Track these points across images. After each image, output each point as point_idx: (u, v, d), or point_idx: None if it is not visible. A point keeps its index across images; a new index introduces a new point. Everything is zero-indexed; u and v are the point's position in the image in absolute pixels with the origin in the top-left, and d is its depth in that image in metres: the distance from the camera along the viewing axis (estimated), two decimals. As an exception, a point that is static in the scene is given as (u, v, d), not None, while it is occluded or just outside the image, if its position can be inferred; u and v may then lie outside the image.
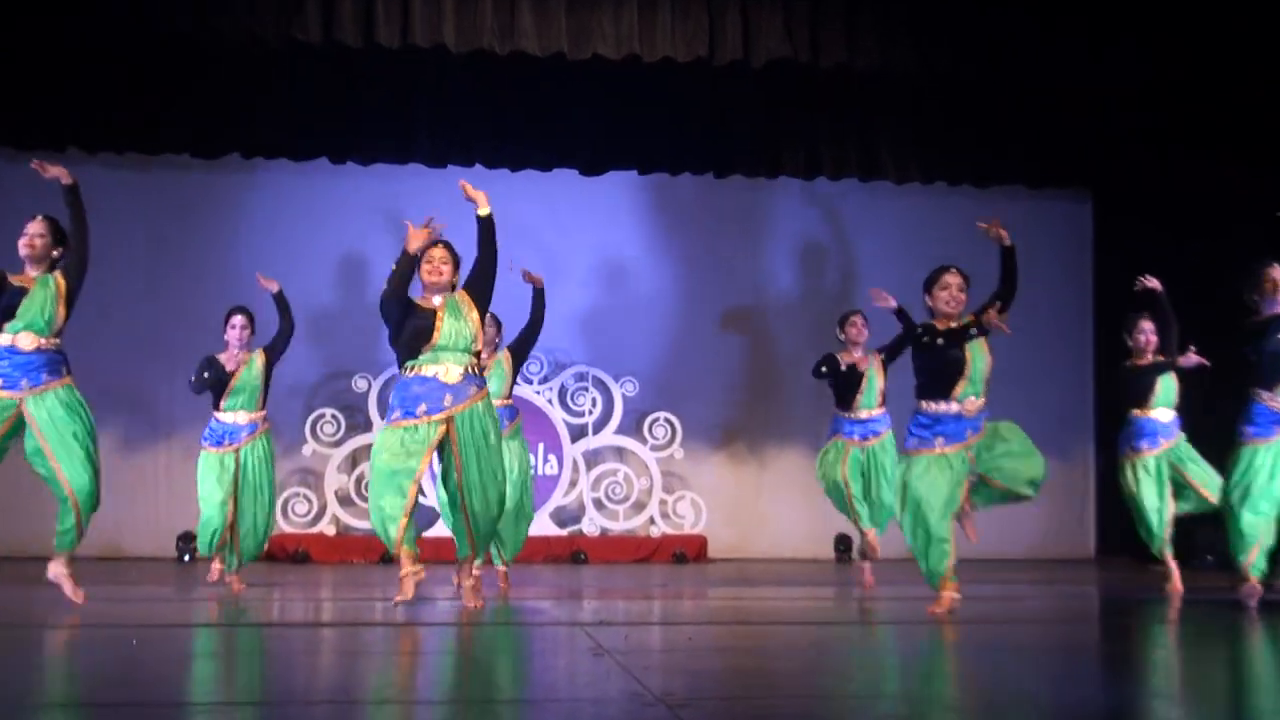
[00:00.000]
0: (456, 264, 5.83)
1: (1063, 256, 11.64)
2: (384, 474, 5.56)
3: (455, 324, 5.67)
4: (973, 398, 5.75)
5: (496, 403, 7.11)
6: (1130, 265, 10.95)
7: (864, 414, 7.78)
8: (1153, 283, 7.41)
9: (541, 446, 10.50)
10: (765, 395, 11.31)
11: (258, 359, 7.24)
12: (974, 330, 5.74)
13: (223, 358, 7.24)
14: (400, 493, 5.52)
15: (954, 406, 5.73)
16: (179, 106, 9.67)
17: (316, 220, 10.71)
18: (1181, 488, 7.35)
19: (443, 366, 5.61)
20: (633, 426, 10.91)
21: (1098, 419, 11.65)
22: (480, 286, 5.81)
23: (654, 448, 10.79)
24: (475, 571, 5.78)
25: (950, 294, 5.82)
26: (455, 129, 10.15)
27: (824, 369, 7.87)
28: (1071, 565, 10.38)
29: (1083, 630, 5.94)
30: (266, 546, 7.50)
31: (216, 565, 7.26)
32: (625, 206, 11.10)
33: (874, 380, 7.76)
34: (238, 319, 7.26)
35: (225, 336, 7.27)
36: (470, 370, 5.67)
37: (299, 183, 10.64)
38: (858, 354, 7.82)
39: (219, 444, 7.19)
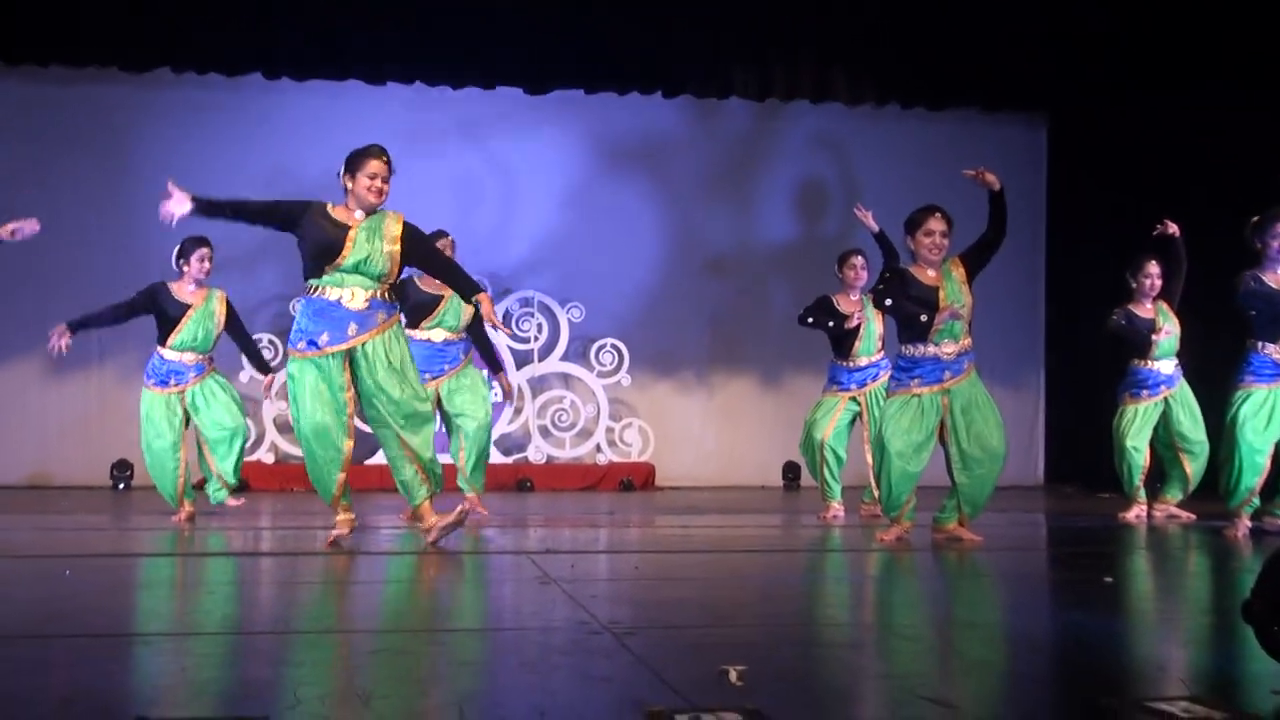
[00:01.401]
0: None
1: (1015, 183, 11.52)
2: (311, 424, 5.32)
3: (370, 247, 5.32)
4: (950, 340, 5.75)
5: (451, 337, 7.07)
6: (1083, 193, 11.10)
7: (863, 360, 7.50)
8: (1172, 228, 7.34)
9: (484, 373, 10.46)
10: (714, 322, 11.32)
11: (218, 301, 6.98)
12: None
13: (174, 288, 6.95)
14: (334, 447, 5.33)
15: (930, 349, 5.75)
16: (101, 11, 9.41)
17: (249, 138, 10.49)
18: (1171, 462, 7.60)
19: (348, 290, 5.33)
20: (579, 353, 10.90)
21: (1047, 347, 11.80)
22: (425, 265, 5.78)
23: (600, 374, 10.79)
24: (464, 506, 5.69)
25: (934, 241, 5.77)
26: (396, 44, 9.94)
27: (810, 319, 7.50)
28: (1020, 493, 10.54)
29: (1032, 558, 6.04)
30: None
31: (188, 508, 6.98)
32: (569, 127, 10.97)
33: (872, 324, 7.46)
34: (204, 250, 6.92)
35: (184, 268, 6.92)
36: (379, 296, 5.36)
37: (230, 99, 10.40)
38: (854, 297, 7.50)
39: (164, 384, 6.95)
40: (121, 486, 9.95)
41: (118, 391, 10.28)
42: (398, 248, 5.37)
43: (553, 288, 10.89)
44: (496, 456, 10.30)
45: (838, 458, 7.56)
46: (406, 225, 5.46)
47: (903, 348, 5.89)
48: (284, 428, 10.26)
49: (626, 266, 11.12)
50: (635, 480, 10.55)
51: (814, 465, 7.62)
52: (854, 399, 7.54)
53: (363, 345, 5.32)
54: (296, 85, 10.21)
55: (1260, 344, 6.58)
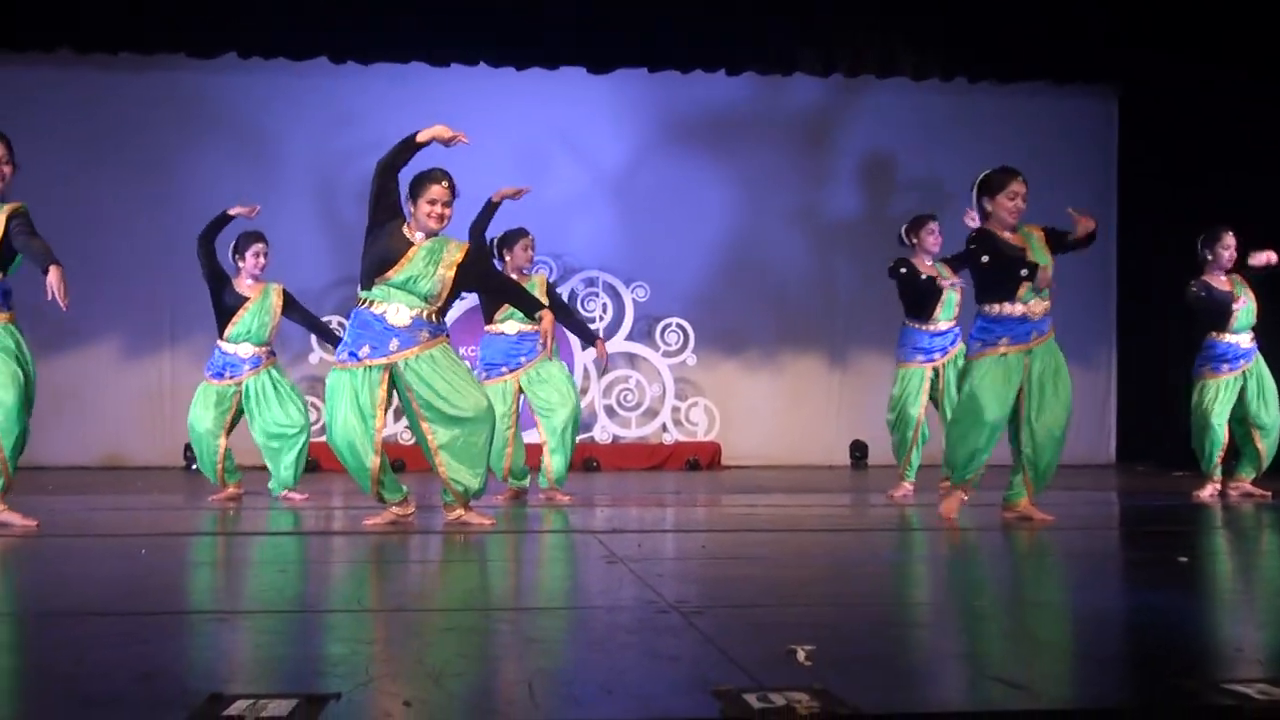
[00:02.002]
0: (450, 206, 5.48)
1: (1086, 156, 11.52)
2: (342, 435, 5.38)
3: (425, 268, 5.38)
4: (1038, 299, 5.69)
5: (526, 328, 6.92)
6: (1155, 167, 10.89)
7: (943, 325, 7.39)
8: (1271, 258, 7.29)
9: (564, 365, 10.51)
10: (780, 300, 11.28)
11: (274, 294, 7.04)
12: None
13: (235, 281, 7.04)
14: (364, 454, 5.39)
15: (1019, 308, 5.68)
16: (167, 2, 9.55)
17: (325, 121, 10.60)
18: (1244, 439, 7.50)
19: (393, 306, 5.37)
20: (645, 333, 10.92)
21: (1119, 323, 11.62)
22: (484, 288, 5.88)
23: (666, 354, 10.80)
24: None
25: (1017, 204, 5.69)
26: (458, 26, 9.99)
27: (903, 269, 7.34)
28: (1092, 471, 10.41)
29: (1104, 537, 5.96)
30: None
31: (230, 488, 7.09)
32: (632, 106, 10.96)
33: (953, 290, 7.37)
34: (259, 245, 7.02)
35: (239, 263, 7.04)
36: (424, 316, 5.39)
37: (301, 84, 10.52)
38: (928, 263, 7.41)
39: (219, 376, 7.04)
40: (194, 467, 10.10)
41: (189, 373, 10.44)
42: (453, 273, 5.41)
43: (617, 267, 10.90)
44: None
45: (923, 435, 7.46)
46: (469, 253, 5.52)
47: (985, 308, 5.77)
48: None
49: (691, 245, 11.10)
50: (701, 459, 10.56)
51: (904, 443, 7.48)
52: (934, 369, 7.41)
53: (405, 360, 5.35)
54: (361, 69, 10.31)
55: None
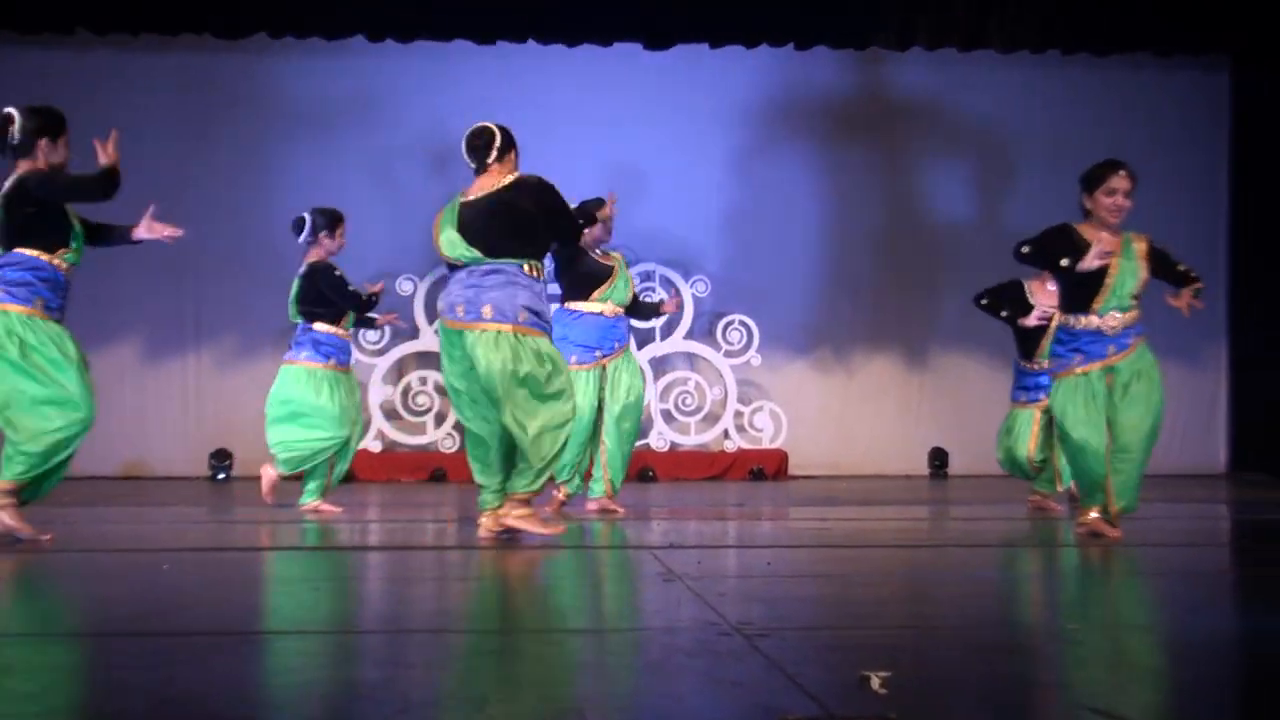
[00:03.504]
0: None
1: (1194, 133, 11.37)
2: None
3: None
4: (1116, 312, 5.63)
5: (620, 311, 7.10)
6: (1272, 146, 10.72)
7: (1050, 363, 7.29)
8: None
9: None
10: (852, 294, 11.23)
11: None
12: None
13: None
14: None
15: (1094, 321, 5.64)
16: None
17: (351, 106, 10.71)
18: None
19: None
20: (705, 331, 10.91)
21: (1231, 318, 11.44)
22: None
23: (728, 354, 10.79)
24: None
25: (1116, 201, 5.60)
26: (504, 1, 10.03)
27: (984, 301, 7.38)
28: (1200, 481, 10.27)
29: (1212, 554, 5.88)
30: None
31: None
32: (690, 85, 10.93)
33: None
34: (342, 227, 7.15)
35: (325, 241, 7.09)
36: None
37: (331, 65, 10.62)
38: (1052, 287, 7.03)
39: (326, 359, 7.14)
40: (221, 477, 10.25)
41: (215, 377, 10.62)
42: None
43: (675, 259, 10.90)
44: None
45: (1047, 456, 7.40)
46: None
47: (1064, 319, 5.78)
48: (390, 415, 10.47)
49: (753, 235, 11.08)
50: (766, 469, 10.54)
51: (1028, 476, 7.53)
52: (1043, 410, 7.24)
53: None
54: (401, 47, 10.37)
55: None
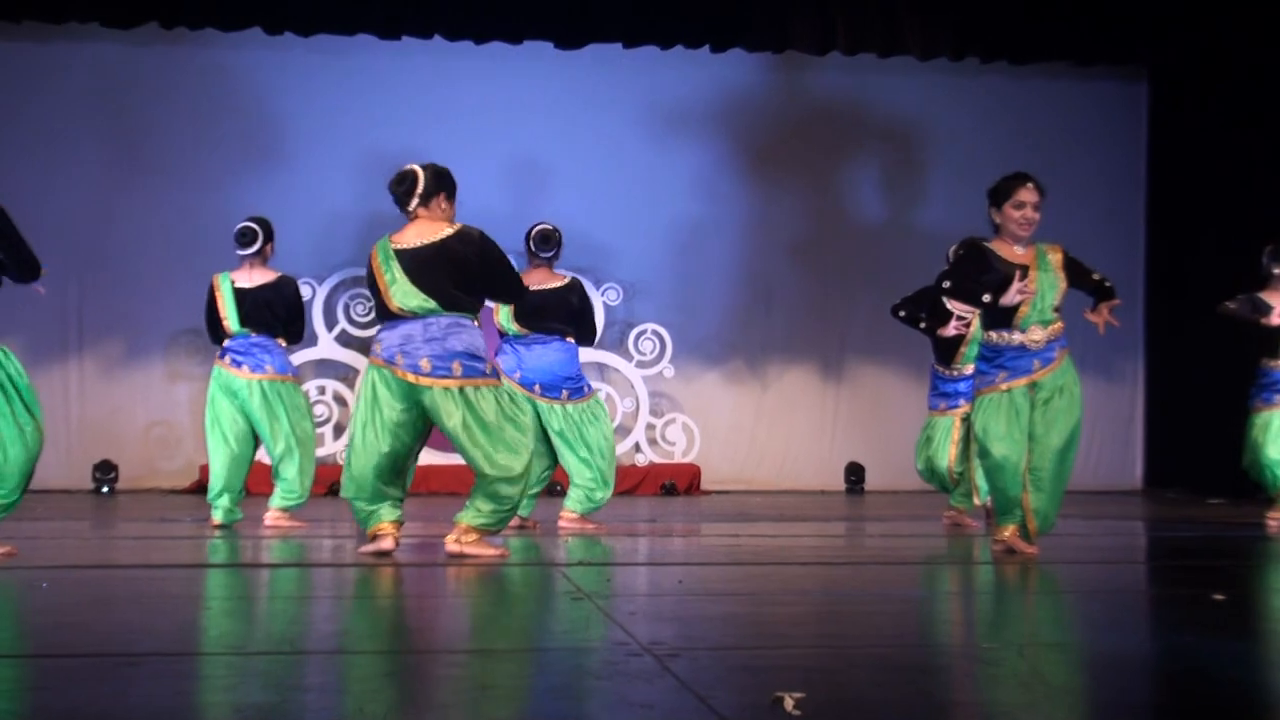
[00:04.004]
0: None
1: (1112, 148, 11.60)
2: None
3: None
4: (1038, 327, 5.69)
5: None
6: (1189, 160, 10.97)
7: (968, 369, 7.25)
8: None
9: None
10: (767, 304, 11.30)
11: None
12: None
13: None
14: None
15: (1017, 336, 5.70)
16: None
17: (243, 102, 10.58)
18: None
19: None
20: (617, 341, 10.91)
21: (1147, 334, 11.68)
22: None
23: (640, 365, 10.80)
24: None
25: (1025, 214, 5.67)
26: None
27: (901, 313, 7.46)
28: (1117, 497, 10.47)
29: (1128, 572, 5.99)
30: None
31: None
32: (605, 86, 10.95)
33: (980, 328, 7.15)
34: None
35: (269, 252, 7.14)
36: None
37: (225, 59, 10.49)
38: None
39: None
40: (105, 490, 10.05)
41: (100, 385, 10.41)
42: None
43: (586, 266, 10.87)
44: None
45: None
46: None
47: (986, 335, 5.84)
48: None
49: (666, 242, 11.10)
50: (679, 484, 10.56)
51: (947, 488, 7.59)
52: (963, 417, 7.36)
53: None
54: (302, 41, 10.26)
55: None
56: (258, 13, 9.91)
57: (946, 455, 7.47)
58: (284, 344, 7.13)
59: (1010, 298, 5.61)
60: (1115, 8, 10.35)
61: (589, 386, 7.13)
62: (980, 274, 5.70)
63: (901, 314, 7.55)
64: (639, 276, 10.94)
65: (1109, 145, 11.59)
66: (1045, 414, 5.70)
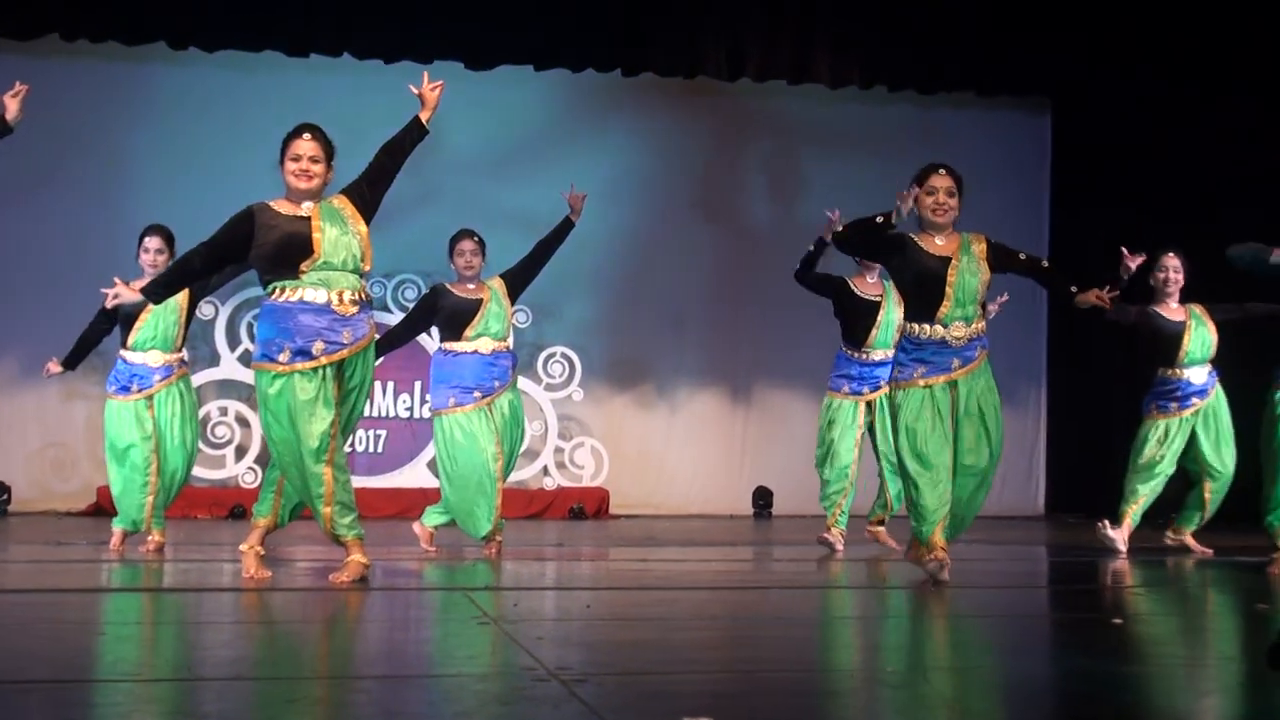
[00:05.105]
0: (329, 162, 5.41)
1: (1016, 176, 11.81)
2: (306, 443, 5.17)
3: (339, 235, 5.21)
4: (960, 323, 5.69)
5: (498, 346, 6.90)
6: (1091, 187, 11.21)
7: (877, 354, 7.28)
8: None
9: (418, 385, 10.41)
10: (677, 328, 11.34)
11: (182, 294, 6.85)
12: None
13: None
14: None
15: (939, 331, 5.69)
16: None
17: (146, 114, 10.44)
18: (1192, 479, 7.61)
19: (335, 291, 5.19)
20: (526, 363, 10.86)
21: (1049, 359, 11.89)
22: (375, 193, 5.47)
23: (549, 387, 10.78)
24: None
25: (937, 200, 5.70)
26: (324, 12, 9.87)
27: (829, 286, 7.37)
28: (1019, 523, 10.62)
29: (1031, 596, 6.07)
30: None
31: (157, 536, 6.89)
32: (516, 108, 10.94)
33: (892, 311, 7.17)
34: (152, 241, 6.92)
35: (140, 260, 6.92)
36: (364, 297, 5.29)
37: (130, 72, 10.36)
38: (872, 280, 7.37)
39: (125, 390, 6.89)
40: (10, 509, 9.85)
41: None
42: (364, 227, 5.33)
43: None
44: (427, 479, 10.22)
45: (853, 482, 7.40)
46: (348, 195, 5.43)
47: (908, 328, 5.76)
48: (186, 446, 10.17)
49: (576, 265, 11.08)
50: (587, 507, 10.55)
51: (836, 491, 7.39)
52: (868, 403, 7.34)
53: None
54: (207, 56, 10.12)
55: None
56: (162, 27, 9.77)
57: (851, 451, 7.30)
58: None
59: (906, 205, 5.60)
60: (1019, 39, 10.55)
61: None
62: (906, 264, 5.71)
63: (808, 281, 7.45)
64: (548, 299, 10.91)
65: (1013, 174, 11.80)
66: (966, 427, 5.66)
